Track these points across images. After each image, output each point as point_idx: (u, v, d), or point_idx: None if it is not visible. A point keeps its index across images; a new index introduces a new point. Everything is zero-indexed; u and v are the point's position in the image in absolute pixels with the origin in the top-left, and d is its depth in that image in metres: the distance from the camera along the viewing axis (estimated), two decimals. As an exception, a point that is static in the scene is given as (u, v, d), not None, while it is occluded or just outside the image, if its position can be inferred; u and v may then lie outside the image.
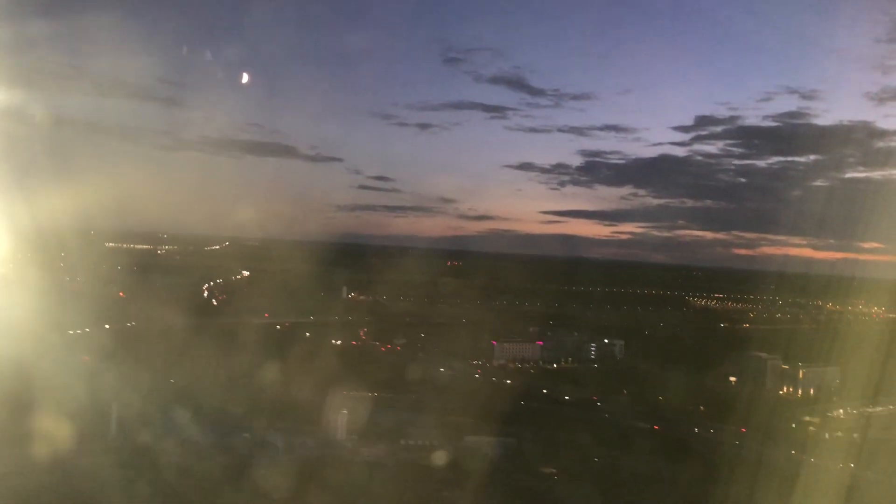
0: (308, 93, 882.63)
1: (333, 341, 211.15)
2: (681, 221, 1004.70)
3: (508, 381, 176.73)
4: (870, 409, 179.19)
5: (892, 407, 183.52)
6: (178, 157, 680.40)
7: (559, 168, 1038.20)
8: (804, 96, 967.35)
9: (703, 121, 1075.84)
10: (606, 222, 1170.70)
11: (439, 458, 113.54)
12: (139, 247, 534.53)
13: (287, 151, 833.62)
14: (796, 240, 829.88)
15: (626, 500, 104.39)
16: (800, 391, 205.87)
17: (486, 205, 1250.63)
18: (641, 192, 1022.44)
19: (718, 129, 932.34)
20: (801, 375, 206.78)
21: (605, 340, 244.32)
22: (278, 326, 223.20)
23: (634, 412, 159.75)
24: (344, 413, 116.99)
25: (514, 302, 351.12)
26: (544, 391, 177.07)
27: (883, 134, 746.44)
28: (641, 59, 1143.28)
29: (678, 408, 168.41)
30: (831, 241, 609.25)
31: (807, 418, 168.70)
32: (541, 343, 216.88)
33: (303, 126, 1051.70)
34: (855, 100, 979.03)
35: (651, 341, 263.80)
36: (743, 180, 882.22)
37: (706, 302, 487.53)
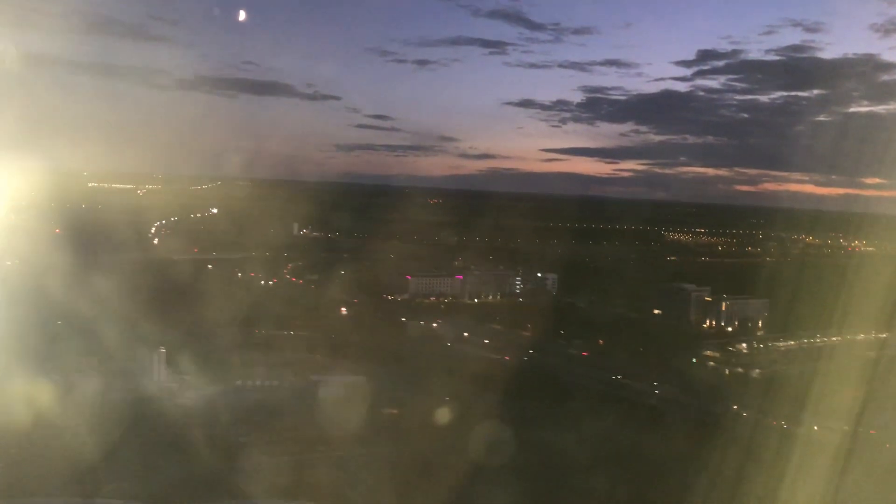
0: (303, 30, 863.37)
1: (248, 276, 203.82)
2: (683, 158, 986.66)
3: (403, 319, 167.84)
4: (781, 343, 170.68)
5: (808, 340, 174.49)
6: (171, 97, 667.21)
7: (560, 105, 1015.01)
8: (808, 29, 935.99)
9: (705, 55, 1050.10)
10: (608, 160, 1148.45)
11: (270, 398, 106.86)
12: (122, 186, 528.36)
13: (283, 90, 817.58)
14: (799, 176, 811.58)
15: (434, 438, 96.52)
16: (723, 323, 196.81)
17: (486, 143, 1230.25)
18: (643, 128, 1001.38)
19: (720, 63, 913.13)
20: (723, 308, 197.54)
21: (539, 275, 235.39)
22: (200, 262, 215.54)
23: (502, 345, 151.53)
24: (162, 351, 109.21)
25: (473, 238, 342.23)
26: (432, 326, 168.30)
27: (888, 67, 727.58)
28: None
29: (566, 338, 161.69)
30: (834, 176, 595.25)
31: (708, 353, 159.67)
32: (460, 277, 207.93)
33: (298, 64, 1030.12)
34: (860, 32, 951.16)
35: (593, 275, 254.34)
36: (745, 116, 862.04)
37: (681, 237, 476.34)
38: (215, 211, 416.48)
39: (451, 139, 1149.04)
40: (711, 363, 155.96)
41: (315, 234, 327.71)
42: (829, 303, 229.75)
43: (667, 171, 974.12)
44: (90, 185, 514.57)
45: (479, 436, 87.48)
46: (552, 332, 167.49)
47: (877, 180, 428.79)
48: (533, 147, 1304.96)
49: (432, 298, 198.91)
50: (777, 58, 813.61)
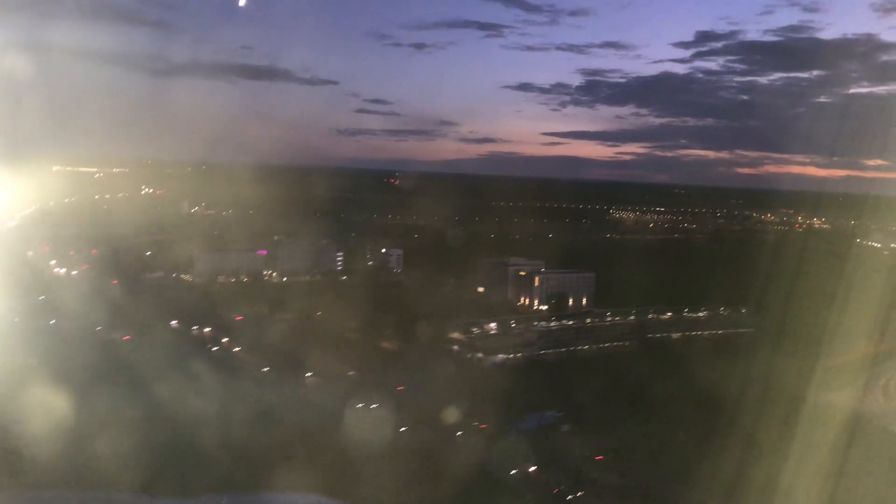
0: (299, 14, 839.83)
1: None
2: (683, 141, 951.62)
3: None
4: (563, 322, 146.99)
5: (611, 318, 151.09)
6: (168, 82, 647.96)
7: (559, 88, 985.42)
8: (806, 8, 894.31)
9: (703, 36, 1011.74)
10: (609, 143, 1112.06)
11: None
12: (85, 170, 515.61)
13: (281, 75, 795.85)
14: (800, 158, 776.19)
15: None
16: (535, 300, 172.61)
17: (486, 127, 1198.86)
18: (643, 111, 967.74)
19: (719, 44, 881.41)
20: (536, 282, 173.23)
21: (383, 250, 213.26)
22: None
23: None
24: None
25: (382, 217, 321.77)
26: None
27: (888, 47, 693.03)
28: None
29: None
30: (835, 158, 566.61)
31: (455, 334, 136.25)
32: (263, 252, 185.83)
33: (296, 49, 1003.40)
34: (859, 11, 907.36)
35: (453, 251, 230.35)
36: (745, 98, 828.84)
37: (627, 215, 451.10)
38: (145, 192, 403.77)
39: (450, 123, 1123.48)
40: (455, 346, 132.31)
41: (209, 212, 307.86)
42: (675, 280, 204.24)
43: (667, 154, 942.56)
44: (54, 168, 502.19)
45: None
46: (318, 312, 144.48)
47: (878, 162, 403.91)
48: (533, 130, 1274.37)
49: (223, 278, 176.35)
50: (776, 38, 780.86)
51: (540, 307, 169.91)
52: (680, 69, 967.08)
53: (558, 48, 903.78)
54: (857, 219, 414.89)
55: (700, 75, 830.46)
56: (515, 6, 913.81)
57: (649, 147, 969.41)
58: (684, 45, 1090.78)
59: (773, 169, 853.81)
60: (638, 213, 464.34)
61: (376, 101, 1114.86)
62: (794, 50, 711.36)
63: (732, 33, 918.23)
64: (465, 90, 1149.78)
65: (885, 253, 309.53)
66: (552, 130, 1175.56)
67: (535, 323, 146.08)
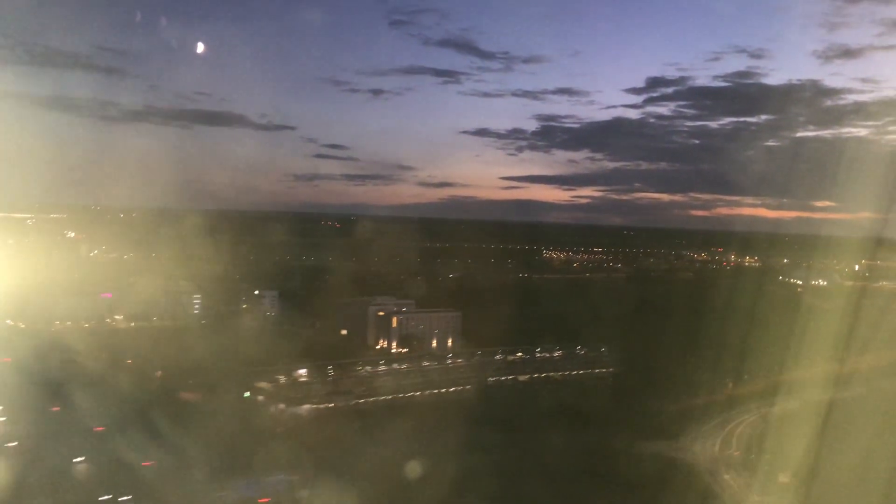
0: (255, 60, 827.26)
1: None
2: (637, 184, 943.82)
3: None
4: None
5: (454, 361, 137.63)
6: (122, 129, 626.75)
7: (515, 133, 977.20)
8: (752, 55, 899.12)
9: (654, 82, 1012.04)
10: (565, 187, 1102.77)
11: None
12: (19, 216, 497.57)
13: (237, 120, 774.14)
14: (751, 200, 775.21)
15: None
16: (394, 342, 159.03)
17: (444, 172, 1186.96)
18: (598, 155, 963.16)
19: (670, 90, 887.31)
20: (394, 323, 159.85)
21: (256, 292, 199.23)
22: None
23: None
24: None
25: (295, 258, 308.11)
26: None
27: (830, 92, 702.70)
28: (589, 21, 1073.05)
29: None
30: (785, 200, 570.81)
31: (262, 383, 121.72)
32: (108, 295, 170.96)
33: (252, 94, 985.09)
34: (802, 58, 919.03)
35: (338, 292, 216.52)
36: (696, 142, 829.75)
37: (557, 255, 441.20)
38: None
39: (409, 168, 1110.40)
40: (262, 396, 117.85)
41: (110, 255, 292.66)
42: (560, 318, 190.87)
43: (623, 196, 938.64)
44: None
45: None
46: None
47: (826, 203, 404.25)
48: (492, 175, 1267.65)
49: (58, 323, 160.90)
50: (724, 84, 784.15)
51: (400, 349, 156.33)
52: (632, 114, 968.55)
53: (514, 94, 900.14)
54: (791, 257, 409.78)
55: (652, 120, 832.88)
56: (470, 53, 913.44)
57: (604, 190, 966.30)
58: (636, 90, 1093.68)
59: (725, 211, 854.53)
60: (570, 253, 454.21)
61: (334, 146, 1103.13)
62: (742, 95, 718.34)
63: (682, 79, 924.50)
64: (422, 135, 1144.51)
65: (799, 290, 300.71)
66: (510, 175, 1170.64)
67: (361, 367, 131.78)
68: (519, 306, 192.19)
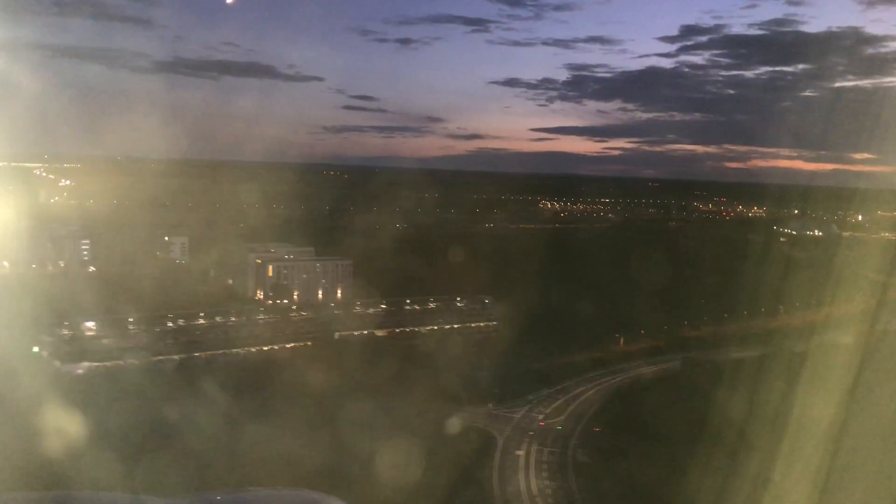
0: (282, 10, 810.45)
1: None
2: (671, 136, 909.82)
3: None
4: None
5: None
6: (151, 79, 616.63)
7: (546, 83, 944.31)
8: (790, 2, 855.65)
9: (688, 30, 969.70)
10: (597, 138, 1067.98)
11: None
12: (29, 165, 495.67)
13: (265, 71, 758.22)
14: (787, 152, 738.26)
15: None
16: (269, 291, 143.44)
17: (474, 123, 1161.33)
18: (630, 106, 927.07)
19: (704, 38, 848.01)
20: (269, 272, 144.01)
21: (166, 238, 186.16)
22: None
23: None
24: None
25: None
26: None
27: (872, 39, 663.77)
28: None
29: None
30: (823, 152, 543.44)
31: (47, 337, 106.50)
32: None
33: (279, 45, 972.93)
34: (843, 4, 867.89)
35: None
36: (731, 92, 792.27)
37: (552, 206, 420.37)
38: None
39: (438, 119, 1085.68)
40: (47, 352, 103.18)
41: (71, 202, 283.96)
42: (479, 269, 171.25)
43: (655, 148, 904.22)
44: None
45: None
46: None
47: (865, 155, 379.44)
48: (521, 126, 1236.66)
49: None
50: (760, 32, 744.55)
51: (276, 299, 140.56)
52: (666, 63, 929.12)
53: (544, 43, 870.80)
54: (807, 209, 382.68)
55: (686, 70, 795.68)
56: (500, 1, 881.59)
57: (637, 142, 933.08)
58: (669, 39, 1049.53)
59: (760, 163, 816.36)
60: (574, 205, 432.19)
61: (362, 97, 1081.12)
62: (779, 44, 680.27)
63: (717, 27, 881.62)
64: (451, 86, 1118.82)
65: (781, 240, 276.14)
66: (540, 126, 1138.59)
67: (202, 320, 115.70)
68: (444, 256, 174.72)
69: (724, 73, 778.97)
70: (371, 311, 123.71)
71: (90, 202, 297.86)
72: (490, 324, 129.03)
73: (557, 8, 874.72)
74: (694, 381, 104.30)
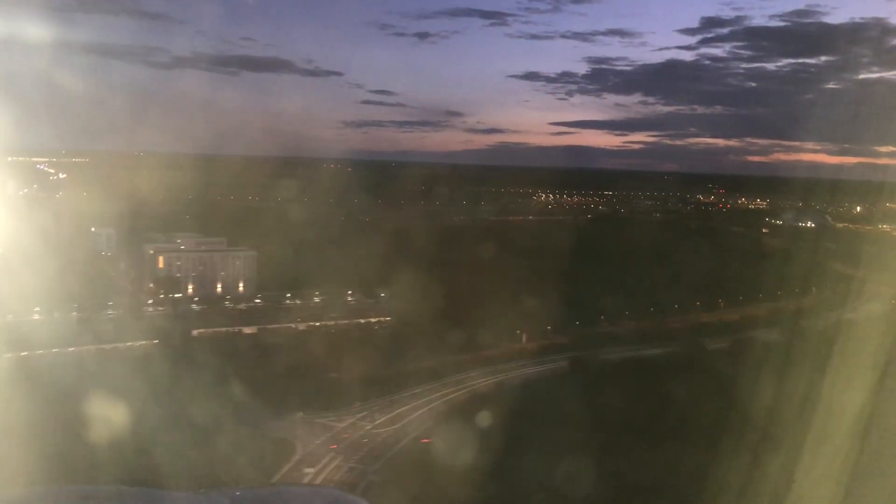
0: (299, 4, 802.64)
1: None
2: (692, 129, 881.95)
3: None
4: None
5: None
6: (170, 75, 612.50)
7: (565, 77, 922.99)
8: None
9: (708, 22, 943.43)
10: (617, 132, 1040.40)
11: None
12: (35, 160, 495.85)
13: (284, 66, 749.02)
14: (810, 145, 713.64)
15: None
16: (152, 283, 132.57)
17: (493, 118, 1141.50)
18: (651, 99, 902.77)
19: (725, 30, 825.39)
20: (159, 263, 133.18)
21: (92, 229, 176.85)
22: None
23: None
24: None
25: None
26: None
27: None
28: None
29: None
30: (847, 145, 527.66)
31: None
32: None
33: (298, 40, 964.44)
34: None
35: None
36: (753, 85, 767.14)
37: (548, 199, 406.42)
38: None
39: (457, 114, 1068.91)
40: None
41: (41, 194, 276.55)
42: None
43: (677, 142, 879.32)
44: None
45: None
46: None
47: (891, 148, 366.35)
48: (541, 120, 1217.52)
49: None
50: (782, 24, 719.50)
51: (165, 292, 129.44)
52: (686, 56, 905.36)
53: (563, 36, 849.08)
54: (815, 201, 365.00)
55: (707, 62, 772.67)
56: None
57: (658, 136, 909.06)
58: (690, 31, 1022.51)
59: (783, 157, 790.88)
60: (570, 197, 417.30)
61: (381, 91, 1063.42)
62: (801, 35, 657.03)
63: (738, 19, 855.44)
64: (470, 80, 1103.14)
65: (763, 232, 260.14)
66: (560, 120, 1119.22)
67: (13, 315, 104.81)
68: (380, 248, 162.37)
69: (745, 65, 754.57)
70: (243, 306, 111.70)
71: (59, 194, 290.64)
72: (382, 320, 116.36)
73: (576, 0, 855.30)
74: (571, 383, 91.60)
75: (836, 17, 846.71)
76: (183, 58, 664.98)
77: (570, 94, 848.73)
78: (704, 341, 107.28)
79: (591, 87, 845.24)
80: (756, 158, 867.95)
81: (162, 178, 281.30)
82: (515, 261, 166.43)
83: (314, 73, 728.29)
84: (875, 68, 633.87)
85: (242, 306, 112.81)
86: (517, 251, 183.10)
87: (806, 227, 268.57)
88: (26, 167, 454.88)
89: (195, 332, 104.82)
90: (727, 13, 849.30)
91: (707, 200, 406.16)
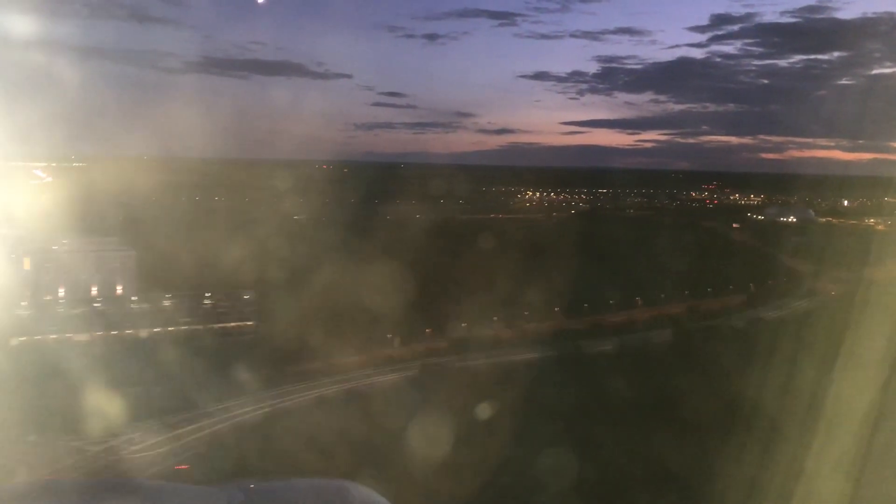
0: (309, 7, 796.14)
1: None
2: (705, 127, 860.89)
3: None
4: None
5: None
6: (180, 80, 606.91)
7: (575, 76, 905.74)
8: None
9: (718, 19, 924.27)
10: (629, 131, 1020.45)
11: None
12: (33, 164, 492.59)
13: (294, 69, 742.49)
14: (823, 141, 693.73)
15: None
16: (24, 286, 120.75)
17: (504, 118, 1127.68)
18: (662, 97, 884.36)
19: (735, 27, 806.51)
20: (25, 264, 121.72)
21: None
22: None
23: None
24: None
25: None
26: None
27: None
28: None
29: None
30: (861, 141, 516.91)
31: None
32: None
33: (307, 43, 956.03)
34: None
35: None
36: (765, 82, 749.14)
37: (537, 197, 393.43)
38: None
39: (468, 115, 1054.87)
40: None
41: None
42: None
43: (689, 140, 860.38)
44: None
45: None
46: None
47: None
48: (552, 120, 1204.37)
49: None
50: (793, 20, 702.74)
51: (35, 296, 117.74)
52: (697, 54, 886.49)
53: (572, 35, 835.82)
54: (814, 197, 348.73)
55: (718, 60, 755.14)
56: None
57: (670, 134, 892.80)
58: (700, 28, 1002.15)
59: (796, 153, 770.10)
60: (560, 195, 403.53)
61: (391, 93, 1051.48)
62: (812, 31, 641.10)
63: (748, 15, 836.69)
64: (480, 80, 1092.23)
65: (734, 226, 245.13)
66: (571, 119, 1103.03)
67: None
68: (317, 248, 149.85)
69: (756, 62, 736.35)
70: (79, 310, 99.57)
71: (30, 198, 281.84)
72: (243, 324, 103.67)
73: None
74: (410, 393, 78.55)
75: (847, 13, 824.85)
76: (193, 62, 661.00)
77: (580, 93, 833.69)
78: (585, 344, 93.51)
79: (601, 86, 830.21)
80: (770, 155, 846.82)
81: (155, 182, 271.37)
82: (449, 260, 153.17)
83: (324, 75, 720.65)
84: (888, 63, 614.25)
85: (78, 311, 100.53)
86: (461, 249, 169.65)
87: (786, 221, 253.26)
88: (22, 172, 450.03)
89: (14, 342, 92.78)
90: (737, 10, 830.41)
91: (698, 197, 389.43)
